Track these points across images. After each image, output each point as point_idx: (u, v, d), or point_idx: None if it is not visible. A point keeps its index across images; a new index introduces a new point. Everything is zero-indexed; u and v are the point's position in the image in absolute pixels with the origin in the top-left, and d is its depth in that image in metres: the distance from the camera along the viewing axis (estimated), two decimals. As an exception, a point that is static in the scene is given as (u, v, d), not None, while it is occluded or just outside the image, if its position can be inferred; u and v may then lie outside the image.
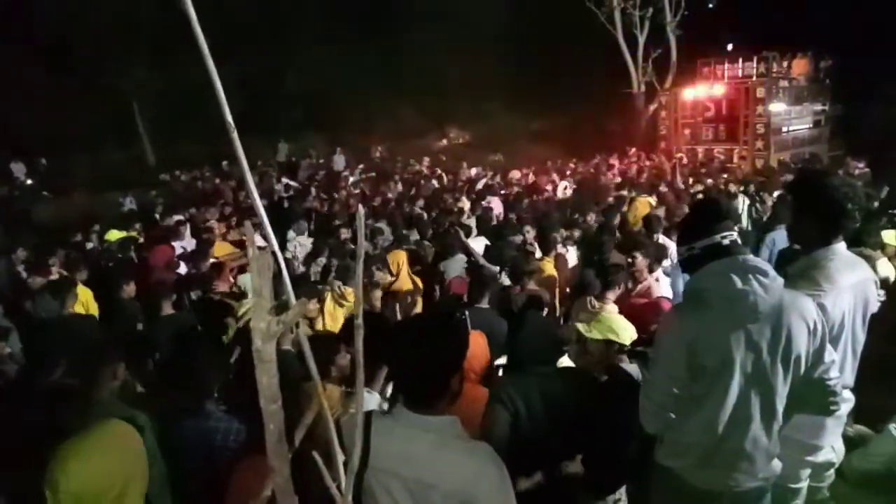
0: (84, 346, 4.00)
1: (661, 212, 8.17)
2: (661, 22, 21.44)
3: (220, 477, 2.69)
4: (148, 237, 8.98)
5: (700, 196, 9.70)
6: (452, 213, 9.29)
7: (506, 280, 5.50)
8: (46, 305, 5.37)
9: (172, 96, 20.69)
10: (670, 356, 2.28)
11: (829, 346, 2.26)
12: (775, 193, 9.30)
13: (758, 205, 9.38)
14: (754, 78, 18.10)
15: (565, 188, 12.33)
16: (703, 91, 18.48)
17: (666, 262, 5.33)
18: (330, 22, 23.97)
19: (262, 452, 2.39)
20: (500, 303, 4.74)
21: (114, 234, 8.70)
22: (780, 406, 2.24)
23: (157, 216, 11.11)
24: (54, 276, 6.11)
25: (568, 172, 15.17)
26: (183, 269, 7.09)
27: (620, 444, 2.81)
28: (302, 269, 7.40)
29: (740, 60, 18.55)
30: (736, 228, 2.38)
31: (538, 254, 6.39)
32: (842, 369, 2.43)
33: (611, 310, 3.67)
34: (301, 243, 8.15)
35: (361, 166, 18.55)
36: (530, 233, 7.01)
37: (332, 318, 5.20)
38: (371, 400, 2.96)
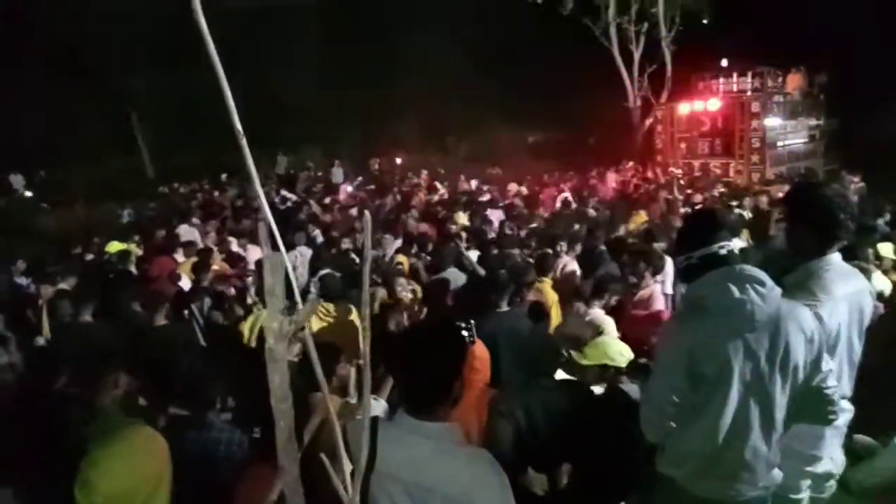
0: (87, 354, 4.03)
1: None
2: (657, 37, 21.64)
3: (224, 487, 2.70)
4: (147, 249, 9.00)
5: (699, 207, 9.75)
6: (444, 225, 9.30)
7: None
8: (62, 312, 5.39)
9: (172, 108, 20.79)
10: (670, 365, 2.31)
11: (826, 356, 2.29)
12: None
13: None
14: (749, 93, 18.27)
15: (564, 199, 12.37)
16: (699, 106, 18.63)
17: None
18: (327, 35, 24.16)
19: (266, 462, 2.42)
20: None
21: (114, 246, 8.72)
22: (780, 415, 2.26)
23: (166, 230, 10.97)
24: (62, 286, 6.13)
25: (567, 186, 15.24)
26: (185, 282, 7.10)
27: (621, 456, 2.82)
28: (306, 277, 7.40)
29: (735, 75, 18.71)
30: (734, 239, 2.41)
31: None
32: (839, 379, 2.46)
33: (597, 314, 3.70)
34: (301, 253, 8.17)
35: (360, 179, 18.59)
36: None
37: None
38: (377, 407, 2.98)
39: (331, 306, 5.18)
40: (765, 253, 5.33)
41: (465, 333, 3.93)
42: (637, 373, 3.29)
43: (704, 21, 21.66)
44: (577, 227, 8.48)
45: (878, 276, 4.81)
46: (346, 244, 8.22)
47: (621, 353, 3.34)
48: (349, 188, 16.77)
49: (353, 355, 3.54)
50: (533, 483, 2.83)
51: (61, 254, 8.62)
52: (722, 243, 2.33)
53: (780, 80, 18.96)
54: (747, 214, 9.47)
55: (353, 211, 11.83)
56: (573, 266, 6.62)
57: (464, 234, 8.35)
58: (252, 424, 3.11)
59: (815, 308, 2.36)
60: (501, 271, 5.81)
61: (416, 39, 23.42)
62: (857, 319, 2.57)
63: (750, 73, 18.41)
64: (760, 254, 5.09)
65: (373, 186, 17.25)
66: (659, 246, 6.22)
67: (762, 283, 2.19)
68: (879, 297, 4.40)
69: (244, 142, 1.14)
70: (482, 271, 6.32)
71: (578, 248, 7.01)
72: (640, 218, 9.57)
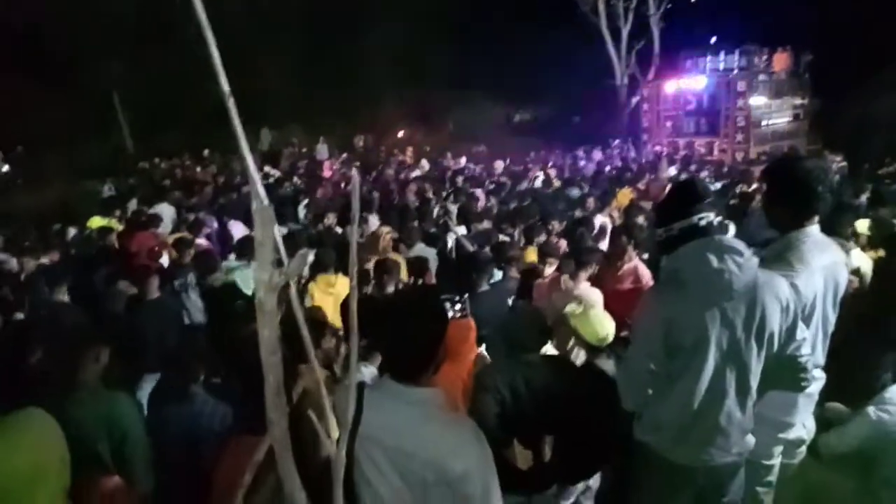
0: (64, 331, 4.00)
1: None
2: (645, 13, 21.57)
3: (207, 459, 2.72)
4: (128, 224, 8.88)
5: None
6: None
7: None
8: (41, 288, 5.32)
9: (153, 86, 20.43)
10: (648, 334, 2.35)
11: (801, 325, 2.34)
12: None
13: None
14: (735, 71, 18.30)
15: (545, 179, 12.35)
16: (686, 84, 18.65)
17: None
18: (313, 10, 23.75)
19: (247, 433, 2.43)
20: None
21: (96, 221, 8.61)
22: (755, 382, 2.31)
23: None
24: (43, 261, 6.06)
25: (550, 164, 15.26)
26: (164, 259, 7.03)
27: (603, 428, 2.86)
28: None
29: (722, 54, 18.73)
30: (713, 211, 2.44)
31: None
32: (813, 348, 2.52)
33: (583, 288, 3.72)
34: (289, 228, 8.12)
35: (345, 155, 18.44)
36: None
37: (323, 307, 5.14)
38: (366, 373, 3.00)
39: (331, 278, 5.19)
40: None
41: (457, 307, 3.97)
42: (616, 345, 3.31)
43: (692, -1, 21.63)
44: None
45: (856, 252, 4.89)
46: (329, 220, 8.17)
47: (595, 332, 3.27)
48: (335, 165, 16.65)
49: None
50: (516, 457, 2.87)
51: (40, 229, 8.48)
52: (701, 215, 2.36)
53: (766, 59, 19.00)
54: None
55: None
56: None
57: (452, 210, 8.36)
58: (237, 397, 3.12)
59: (791, 278, 2.40)
60: (483, 250, 5.85)
61: (403, 14, 23.12)
62: (832, 291, 2.61)
63: (737, 52, 18.43)
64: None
65: (358, 164, 17.14)
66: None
67: (740, 254, 2.22)
68: (857, 272, 4.49)
69: (231, 102, 1.12)
70: (470, 247, 6.34)
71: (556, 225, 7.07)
72: (626, 196, 9.62)
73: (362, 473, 1.79)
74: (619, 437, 2.69)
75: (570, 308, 3.39)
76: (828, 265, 2.57)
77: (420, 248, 6.18)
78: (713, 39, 19.44)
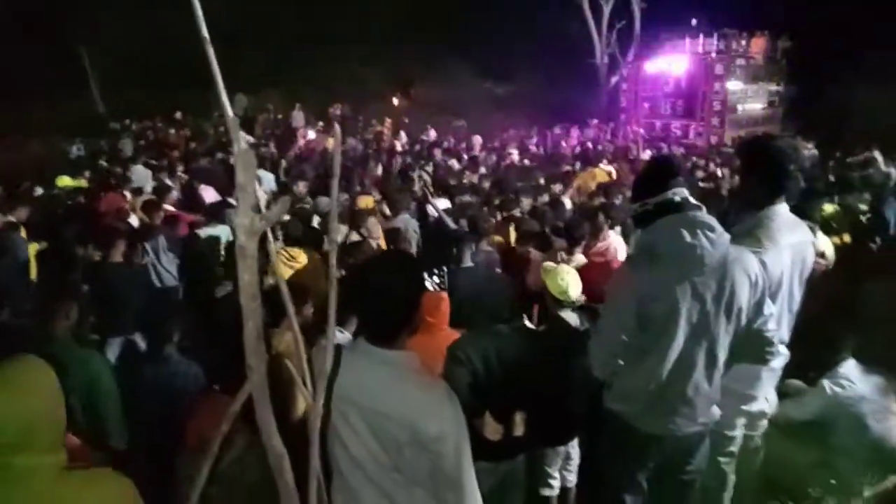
0: (33, 287, 3.93)
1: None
2: (627, -7, 21.52)
3: (181, 419, 2.71)
4: (97, 184, 8.68)
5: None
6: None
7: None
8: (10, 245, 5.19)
9: (123, 40, 19.80)
10: (620, 306, 2.39)
11: (768, 300, 2.40)
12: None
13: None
14: (714, 54, 18.41)
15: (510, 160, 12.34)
16: (665, 65, 18.71)
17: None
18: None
19: (221, 392, 2.43)
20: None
21: (64, 181, 8.40)
22: (722, 355, 2.38)
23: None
24: (10, 219, 5.91)
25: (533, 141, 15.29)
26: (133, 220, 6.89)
27: (574, 399, 2.92)
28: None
29: (701, 36, 18.81)
30: (686, 186, 2.48)
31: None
32: (779, 323, 2.59)
33: (580, 260, 3.79)
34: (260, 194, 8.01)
35: (321, 123, 18.18)
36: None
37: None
38: (342, 338, 3.01)
39: (294, 251, 5.10)
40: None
41: (435, 280, 3.99)
42: (585, 313, 3.36)
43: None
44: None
45: (821, 235, 5.01)
46: (300, 188, 8.08)
47: (557, 286, 3.29)
48: (310, 133, 16.41)
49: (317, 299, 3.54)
50: (486, 428, 2.92)
51: (9, 187, 8.24)
52: (675, 190, 2.40)
53: (744, 42, 19.13)
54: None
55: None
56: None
57: (428, 179, 8.33)
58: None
59: (760, 254, 2.45)
60: (462, 225, 5.85)
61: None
62: (799, 269, 2.69)
63: (716, 35, 18.52)
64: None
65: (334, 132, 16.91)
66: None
67: (712, 229, 2.27)
68: (822, 256, 4.62)
69: (210, 50, 1.09)
70: (450, 221, 6.33)
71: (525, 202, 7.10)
72: (602, 174, 9.68)
73: (337, 434, 1.80)
74: (590, 407, 2.75)
75: (547, 264, 3.50)
76: (795, 244, 2.64)
77: (403, 219, 6.17)
78: (693, 21, 19.46)
